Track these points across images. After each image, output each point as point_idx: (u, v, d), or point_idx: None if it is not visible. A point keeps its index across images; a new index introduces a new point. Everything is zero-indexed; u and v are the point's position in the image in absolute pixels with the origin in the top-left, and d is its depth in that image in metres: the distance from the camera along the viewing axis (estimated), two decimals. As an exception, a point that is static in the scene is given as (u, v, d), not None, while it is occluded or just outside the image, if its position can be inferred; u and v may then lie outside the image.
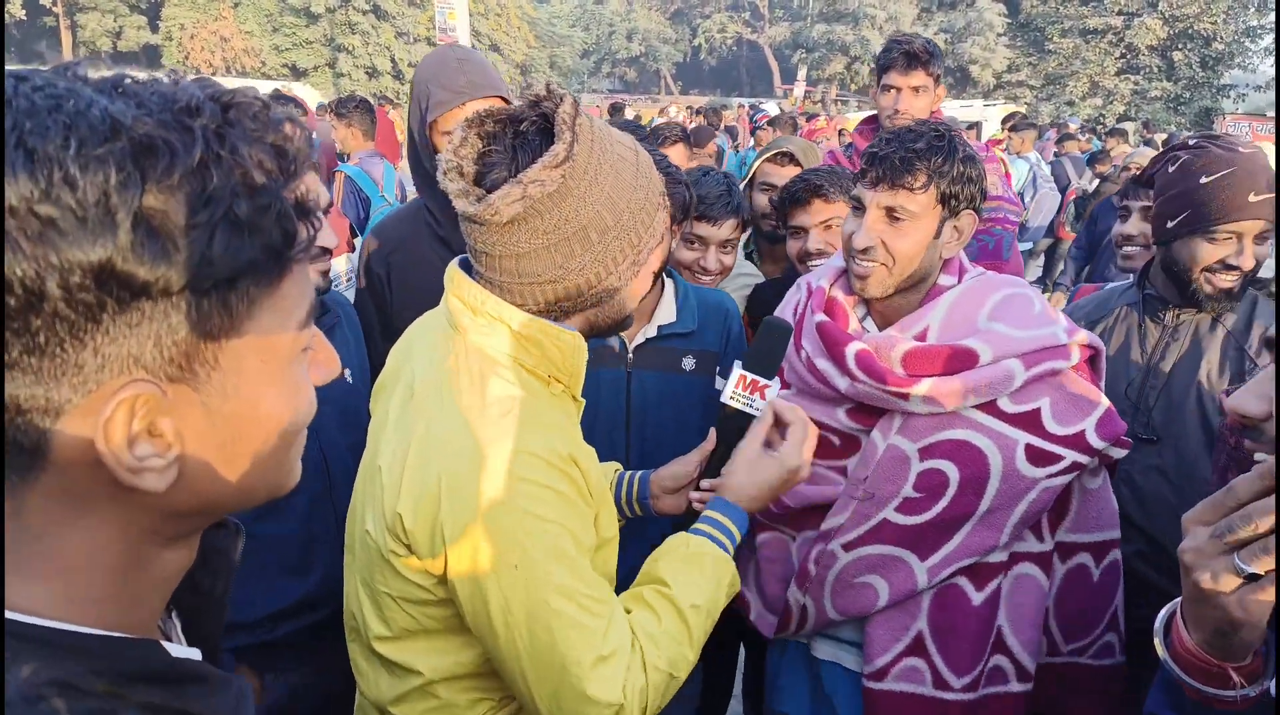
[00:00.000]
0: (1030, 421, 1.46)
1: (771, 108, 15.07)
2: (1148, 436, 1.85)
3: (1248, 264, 1.77)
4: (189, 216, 0.49)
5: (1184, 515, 0.84)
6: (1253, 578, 0.77)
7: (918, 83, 2.54)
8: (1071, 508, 1.57)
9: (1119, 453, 1.52)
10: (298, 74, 28.71)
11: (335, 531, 1.73)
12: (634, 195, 1.08)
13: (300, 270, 0.59)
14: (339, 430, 1.78)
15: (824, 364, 1.55)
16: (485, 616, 1.05)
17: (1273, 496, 0.76)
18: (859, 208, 1.51)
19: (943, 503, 1.48)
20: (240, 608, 1.63)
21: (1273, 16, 27.90)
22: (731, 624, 2.39)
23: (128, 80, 0.53)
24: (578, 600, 1.05)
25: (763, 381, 1.34)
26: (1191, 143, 1.85)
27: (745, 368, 1.36)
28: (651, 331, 1.81)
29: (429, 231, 1.96)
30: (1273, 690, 0.85)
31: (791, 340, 1.52)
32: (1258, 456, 0.82)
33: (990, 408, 1.47)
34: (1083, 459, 1.46)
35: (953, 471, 1.47)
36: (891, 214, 1.46)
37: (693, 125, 9.80)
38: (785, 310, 1.72)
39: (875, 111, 2.71)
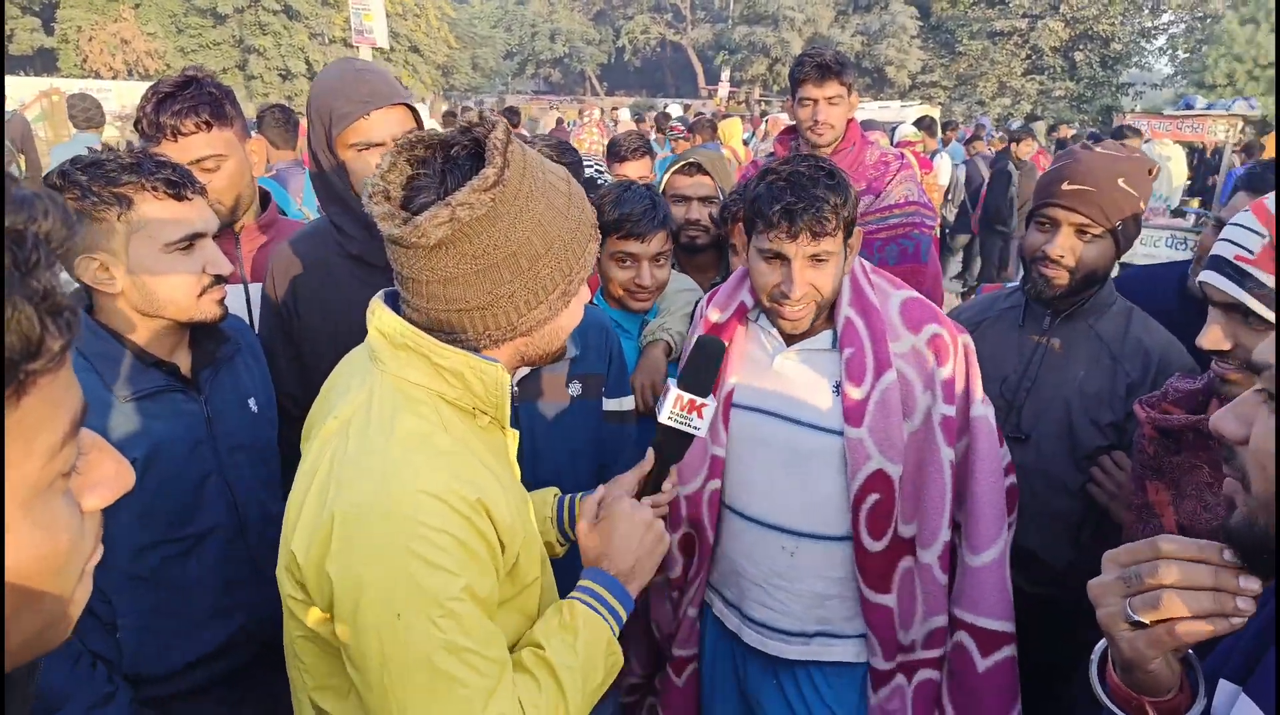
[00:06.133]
0: None
1: (675, 109, 15.03)
2: (1016, 435, 1.90)
3: (1055, 253, 1.80)
4: None
5: (1105, 553, 0.87)
6: (1140, 625, 0.82)
7: (832, 93, 2.61)
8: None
9: None
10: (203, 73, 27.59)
11: (252, 573, 1.66)
12: (566, 224, 1.07)
13: (53, 381, 0.48)
14: (249, 466, 1.69)
15: None
16: (364, 667, 0.99)
17: (1180, 560, 0.81)
18: (776, 258, 1.58)
19: None
20: (154, 660, 1.55)
21: (1164, 19, 29.50)
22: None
23: None
24: (463, 657, 0.99)
25: (699, 400, 1.35)
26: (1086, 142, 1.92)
27: (681, 386, 1.36)
28: None
29: (338, 249, 1.87)
30: None
31: None
32: (1227, 487, 0.84)
33: None
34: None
35: None
36: (815, 259, 1.56)
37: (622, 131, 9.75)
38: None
39: (794, 123, 2.72)
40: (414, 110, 1.86)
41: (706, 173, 2.46)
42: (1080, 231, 1.80)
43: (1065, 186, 1.79)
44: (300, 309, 1.88)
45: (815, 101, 2.62)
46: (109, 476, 0.55)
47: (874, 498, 1.60)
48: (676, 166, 2.51)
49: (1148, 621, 0.81)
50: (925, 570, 1.66)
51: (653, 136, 10.73)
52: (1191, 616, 0.79)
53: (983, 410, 1.66)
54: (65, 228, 0.47)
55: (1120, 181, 1.77)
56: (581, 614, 1.18)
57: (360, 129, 1.77)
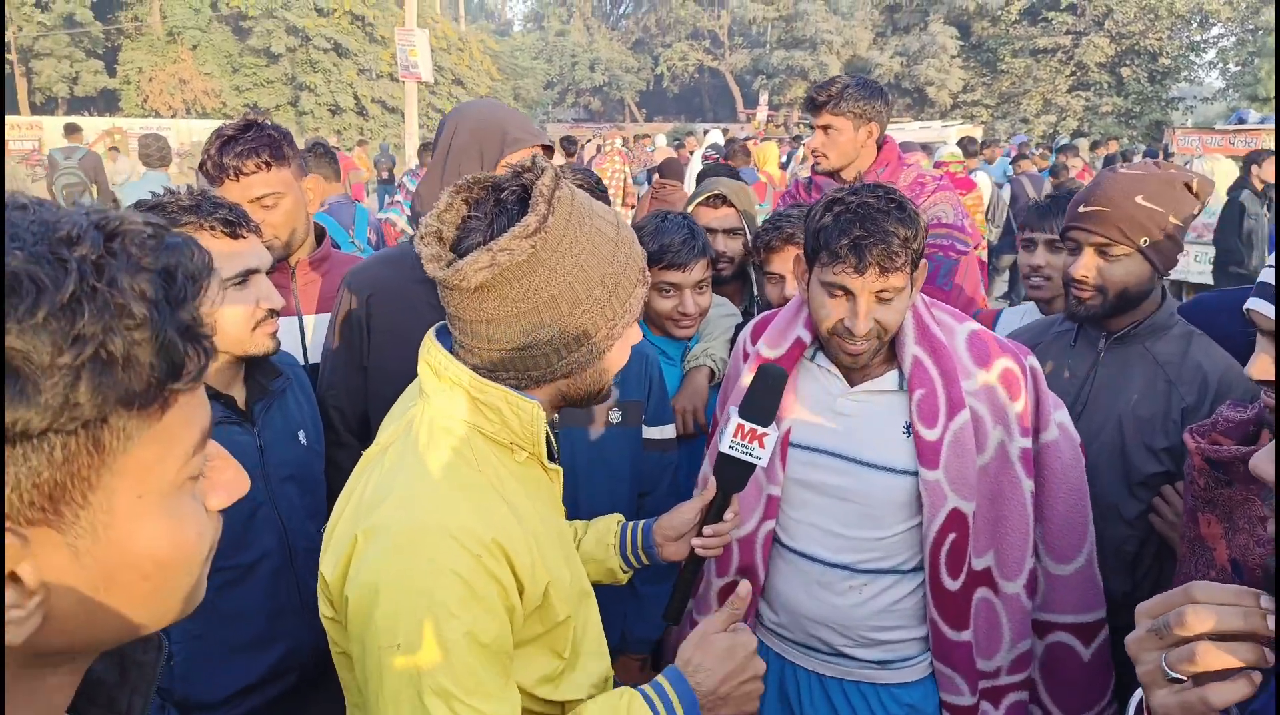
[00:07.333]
0: None
1: (715, 135, 14.92)
2: None
3: (1079, 274, 1.80)
4: (53, 356, 0.46)
5: (1138, 605, 0.82)
6: (1178, 680, 0.76)
7: (824, 123, 2.66)
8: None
9: None
10: (259, 114, 28.57)
11: (299, 602, 1.70)
12: (610, 270, 1.08)
13: (190, 398, 0.56)
14: (298, 496, 1.73)
15: None
16: (364, 685, 1.02)
17: (1210, 605, 0.75)
18: (841, 292, 1.53)
19: None
20: (203, 687, 1.59)
21: (1213, 32, 28.88)
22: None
23: (11, 210, 0.51)
24: (449, 703, 0.98)
25: (760, 429, 1.35)
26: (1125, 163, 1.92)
27: (742, 416, 1.35)
28: None
29: (414, 274, 1.92)
30: None
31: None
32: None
33: None
34: None
35: None
36: (881, 295, 1.51)
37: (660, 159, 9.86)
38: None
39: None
40: (551, 151, 1.98)
41: (731, 204, 2.47)
42: (1101, 251, 1.79)
43: (1082, 209, 1.81)
44: (372, 328, 1.92)
45: (814, 130, 2.73)
46: (229, 481, 0.64)
47: (951, 537, 1.58)
48: (701, 198, 2.52)
49: (1185, 677, 0.75)
50: (1011, 600, 1.65)
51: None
52: (1225, 678, 0.73)
53: (1054, 432, 1.65)
54: (206, 267, 0.58)
55: (1139, 199, 1.75)
56: (639, 710, 1.12)
57: (524, 154, 1.85)
